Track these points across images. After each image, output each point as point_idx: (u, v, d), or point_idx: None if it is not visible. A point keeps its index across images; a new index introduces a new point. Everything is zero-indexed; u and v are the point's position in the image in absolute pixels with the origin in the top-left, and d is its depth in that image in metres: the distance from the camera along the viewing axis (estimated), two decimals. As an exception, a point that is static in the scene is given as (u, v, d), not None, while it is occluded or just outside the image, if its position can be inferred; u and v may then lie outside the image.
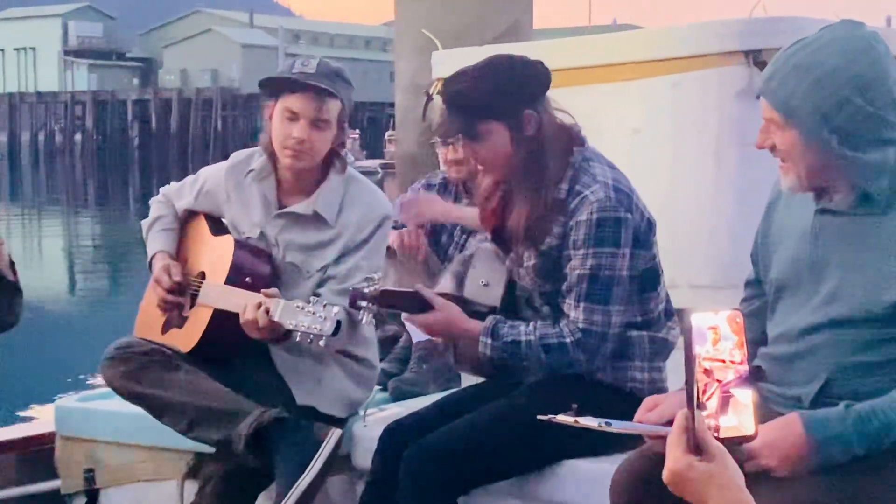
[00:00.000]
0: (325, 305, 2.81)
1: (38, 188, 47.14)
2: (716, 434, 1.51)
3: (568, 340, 2.73)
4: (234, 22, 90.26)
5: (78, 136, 79.44)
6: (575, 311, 2.73)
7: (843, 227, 2.30)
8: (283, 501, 2.82)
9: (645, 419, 2.34)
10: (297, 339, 2.84)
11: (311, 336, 2.80)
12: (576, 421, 2.04)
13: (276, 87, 3.19)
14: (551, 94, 3.90)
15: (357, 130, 59.52)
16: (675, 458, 1.51)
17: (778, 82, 2.23)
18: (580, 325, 2.72)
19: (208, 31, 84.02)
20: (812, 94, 2.20)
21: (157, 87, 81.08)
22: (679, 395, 2.44)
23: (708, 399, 1.50)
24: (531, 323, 2.80)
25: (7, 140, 78.04)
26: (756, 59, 3.51)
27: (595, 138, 3.81)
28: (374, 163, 41.52)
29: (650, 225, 2.84)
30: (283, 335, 2.95)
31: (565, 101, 3.89)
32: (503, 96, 2.75)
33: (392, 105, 5.91)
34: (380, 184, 5.57)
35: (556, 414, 2.15)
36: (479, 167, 2.87)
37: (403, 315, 2.87)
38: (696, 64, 3.63)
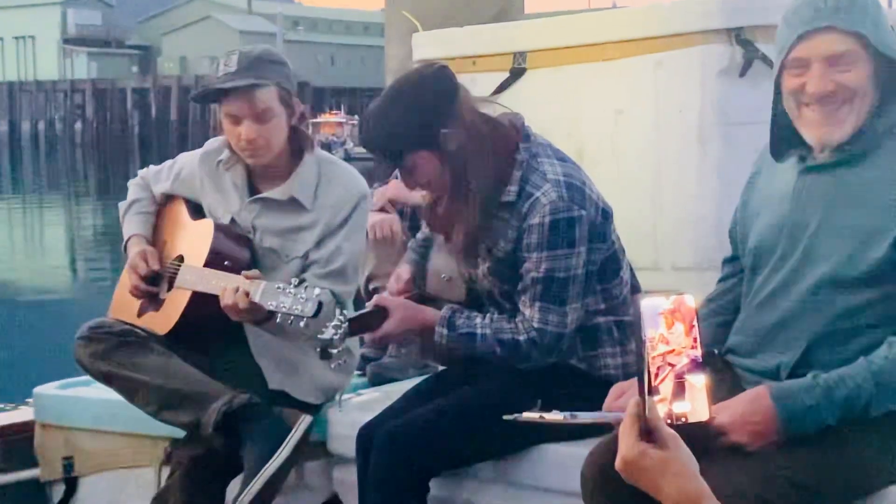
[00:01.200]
0: (306, 287, 2.77)
1: (39, 177, 47.11)
2: (669, 420, 1.48)
3: (522, 338, 2.70)
4: (233, 9, 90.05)
5: (78, 125, 79.37)
6: (530, 311, 2.70)
7: (826, 185, 2.27)
8: (249, 486, 2.80)
9: (614, 407, 2.32)
10: (278, 320, 2.80)
11: (292, 318, 2.76)
12: (541, 417, 2.00)
13: (209, 98, 3.14)
14: (534, 74, 3.89)
15: (356, 116, 59.49)
16: (628, 446, 1.49)
17: (845, 10, 2.21)
18: (535, 325, 2.69)
19: (207, 18, 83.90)
20: (875, 13, 2.22)
21: (157, 75, 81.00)
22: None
23: (661, 383, 1.47)
24: (488, 315, 2.77)
25: (7, 129, 77.96)
26: (739, 36, 3.46)
27: (577, 119, 3.79)
28: (373, 149, 41.37)
29: (606, 215, 2.77)
30: (264, 317, 2.91)
31: (547, 82, 3.88)
32: (412, 128, 2.66)
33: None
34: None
35: (524, 407, 2.13)
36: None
37: (367, 339, 2.84)
38: (679, 42, 3.58)
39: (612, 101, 3.73)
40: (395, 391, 3.13)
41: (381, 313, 2.77)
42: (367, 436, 2.82)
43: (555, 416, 1.98)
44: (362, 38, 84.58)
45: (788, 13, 2.30)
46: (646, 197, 3.65)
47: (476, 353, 2.76)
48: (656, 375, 1.46)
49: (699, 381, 1.48)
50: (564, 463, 2.63)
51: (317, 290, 2.75)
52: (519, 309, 2.74)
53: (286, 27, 73.96)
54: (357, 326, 2.78)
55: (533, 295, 2.69)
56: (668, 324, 1.47)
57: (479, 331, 2.74)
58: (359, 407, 3.17)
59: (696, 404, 1.48)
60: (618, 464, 1.51)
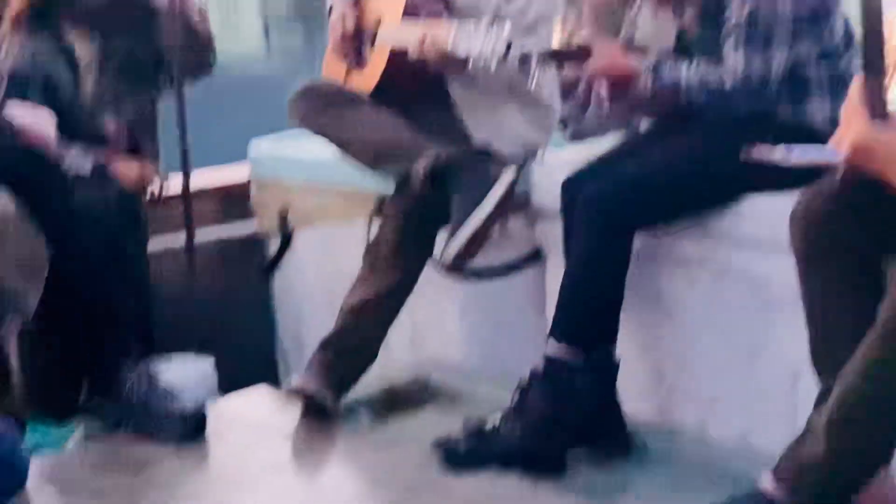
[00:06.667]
0: (496, 26, 2.80)
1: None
2: None
3: (727, 85, 2.69)
4: None
5: None
6: (733, 58, 2.67)
7: None
8: (457, 234, 2.90)
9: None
10: (470, 65, 2.84)
11: (483, 60, 2.80)
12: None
13: None
14: None
15: None
16: (858, 130, 1.41)
17: None
18: (739, 71, 2.67)
19: None
20: None
21: None
22: None
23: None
24: (693, 64, 2.75)
25: None
26: None
27: None
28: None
29: None
30: (458, 65, 2.95)
31: None
32: None
33: None
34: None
35: (728, 159, 2.18)
36: None
37: (565, 72, 2.84)
38: None
39: None
40: (595, 149, 3.14)
41: (585, 54, 2.79)
42: (572, 190, 2.87)
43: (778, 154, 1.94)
44: None
45: None
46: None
47: (680, 102, 2.76)
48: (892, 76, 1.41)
49: None
50: (769, 214, 2.62)
51: (507, 28, 2.77)
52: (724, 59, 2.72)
53: None
54: (556, 57, 2.80)
55: (736, 40, 2.67)
56: None
57: (684, 81, 2.74)
58: (561, 163, 3.20)
59: None
60: (847, 147, 1.44)
